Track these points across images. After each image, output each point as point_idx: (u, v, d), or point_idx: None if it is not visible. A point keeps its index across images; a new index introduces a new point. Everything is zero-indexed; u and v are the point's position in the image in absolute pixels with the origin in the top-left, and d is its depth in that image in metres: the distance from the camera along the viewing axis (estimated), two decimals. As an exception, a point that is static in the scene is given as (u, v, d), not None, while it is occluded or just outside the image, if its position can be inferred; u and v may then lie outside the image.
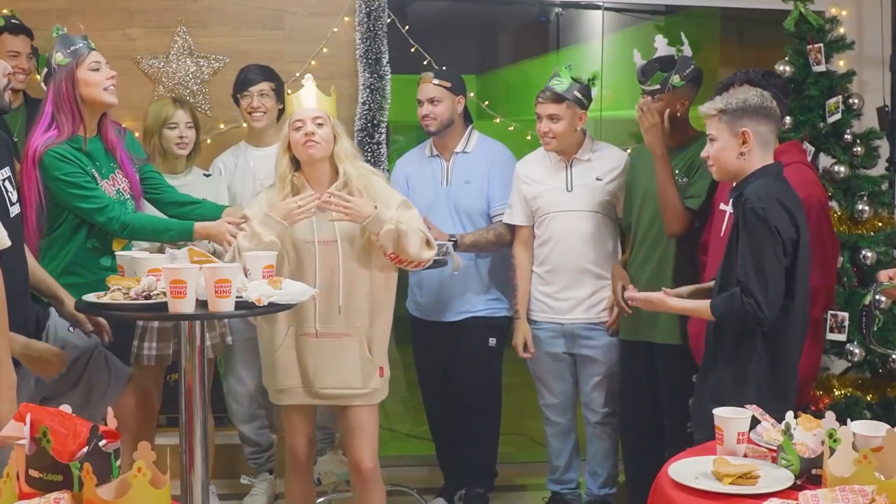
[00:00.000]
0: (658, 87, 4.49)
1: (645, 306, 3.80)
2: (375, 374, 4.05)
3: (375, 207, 3.86)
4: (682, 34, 4.62)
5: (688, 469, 2.88)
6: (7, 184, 3.54)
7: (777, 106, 3.65)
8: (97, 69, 4.11)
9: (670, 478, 2.85)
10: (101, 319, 3.88)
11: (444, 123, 4.90)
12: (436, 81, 4.89)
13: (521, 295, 4.89)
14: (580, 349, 4.84)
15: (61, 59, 4.08)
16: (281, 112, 4.92)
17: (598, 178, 4.75)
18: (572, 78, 4.65)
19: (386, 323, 4.10)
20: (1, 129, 3.71)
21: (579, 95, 4.65)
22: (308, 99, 3.94)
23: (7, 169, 3.57)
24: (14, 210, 3.55)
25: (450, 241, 4.68)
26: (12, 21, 4.84)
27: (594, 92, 4.76)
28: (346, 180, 3.93)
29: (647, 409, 4.67)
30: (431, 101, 4.88)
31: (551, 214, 4.79)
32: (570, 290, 4.79)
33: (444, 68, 5.12)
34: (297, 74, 5.25)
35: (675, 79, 4.47)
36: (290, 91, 4.06)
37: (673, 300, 3.70)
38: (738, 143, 3.52)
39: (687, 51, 4.57)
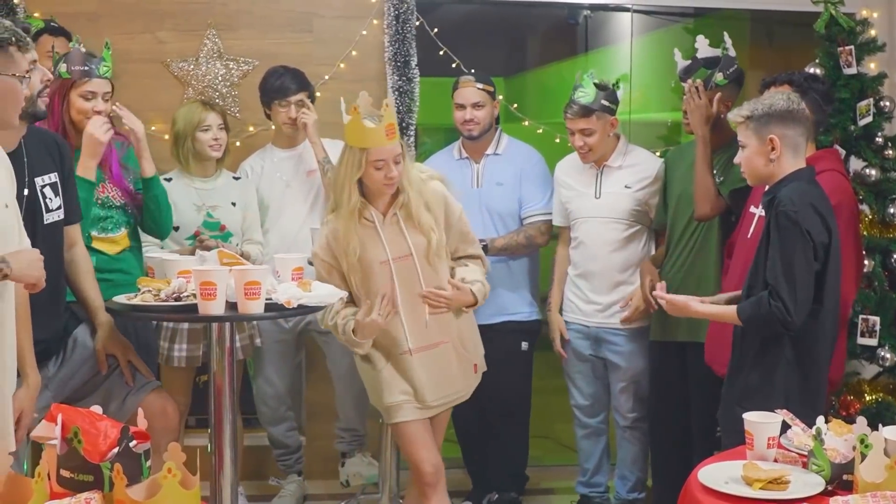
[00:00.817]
0: (701, 84, 4.47)
1: (670, 309, 3.78)
2: (471, 371, 4.12)
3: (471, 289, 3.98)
4: (726, 34, 4.58)
5: (717, 474, 2.87)
6: (48, 190, 3.57)
7: (808, 109, 3.62)
8: (89, 99, 4.14)
9: (700, 482, 2.84)
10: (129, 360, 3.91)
11: (486, 128, 4.91)
12: (479, 86, 4.89)
13: (555, 290, 4.97)
14: (606, 353, 4.85)
15: (63, 71, 4.12)
16: None
17: (626, 186, 4.74)
18: (595, 85, 4.62)
19: (470, 318, 4.14)
20: (46, 136, 3.73)
21: (606, 103, 4.64)
22: (389, 136, 3.80)
23: (52, 175, 3.60)
24: (51, 217, 3.56)
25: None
26: (52, 24, 4.87)
27: (620, 93, 4.73)
28: (407, 210, 3.91)
29: (677, 413, 4.66)
30: (475, 105, 4.87)
31: (581, 220, 4.81)
32: (596, 294, 4.81)
33: (472, 71, 5.12)
34: (326, 77, 5.27)
35: (719, 76, 4.46)
36: (344, 112, 3.94)
37: (698, 305, 3.67)
38: (766, 150, 3.50)
39: (731, 51, 4.55)
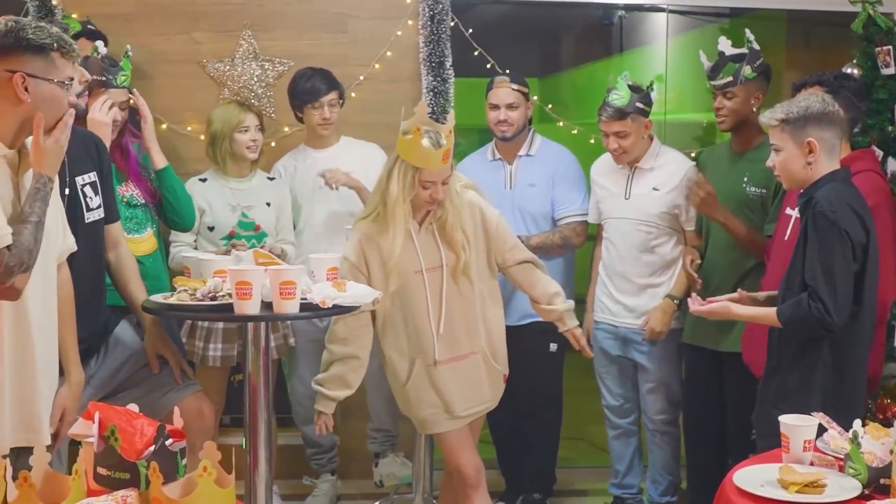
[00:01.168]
0: (730, 79, 4.46)
1: (710, 317, 3.76)
2: (500, 381, 4.14)
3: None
4: (748, 30, 4.57)
5: (753, 477, 2.86)
6: (88, 189, 3.61)
7: (843, 109, 3.60)
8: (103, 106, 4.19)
9: (735, 485, 2.83)
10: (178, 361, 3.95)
11: (519, 129, 4.91)
12: (514, 86, 4.88)
13: (591, 288, 4.96)
14: (633, 354, 4.84)
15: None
16: None
17: (655, 188, 4.71)
18: (629, 87, 4.60)
19: (502, 329, 4.16)
20: (84, 135, 3.76)
21: (641, 105, 4.61)
22: (444, 160, 3.84)
23: (92, 174, 3.64)
24: (92, 216, 3.60)
25: None
26: (89, 27, 4.91)
27: (654, 95, 4.72)
28: (442, 221, 3.94)
29: (711, 415, 4.64)
30: (509, 106, 4.87)
31: (611, 220, 4.82)
32: (623, 295, 4.80)
33: (507, 72, 5.11)
34: (361, 78, 5.28)
35: (747, 70, 4.44)
36: (404, 126, 3.89)
37: (737, 308, 3.65)
38: (804, 153, 3.47)
39: (755, 45, 4.52)
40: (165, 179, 4.44)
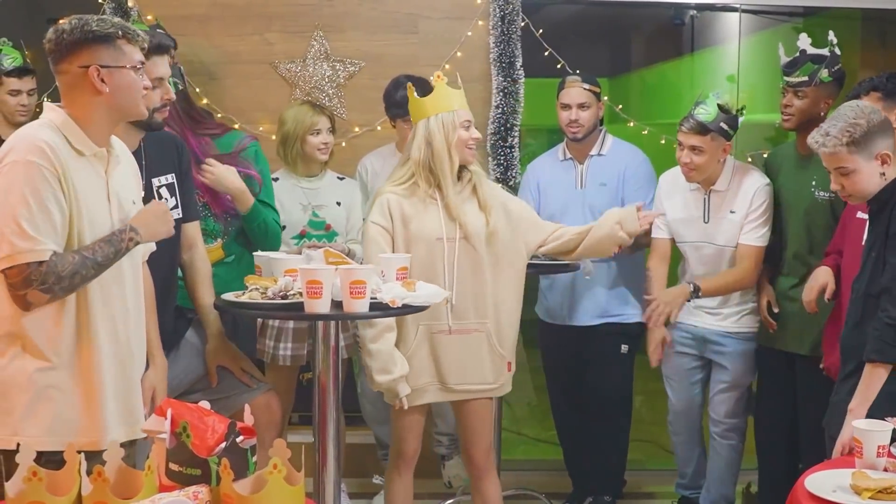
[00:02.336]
0: (805, 78, 4.40)
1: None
2: (504, 368, 4.07)
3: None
4: (832, 32, 4.50)
5: (825, 482, 2.83)
6: (164, 190, 3.67)
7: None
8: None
9: (807, 490, 2.80)
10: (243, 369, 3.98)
11: (590, 129, 4.87)
12: (586, 86, 4.84)
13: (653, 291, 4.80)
14: (711, 355, 4.78)
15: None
16: None
17: (732, 212, 4.61)
18: (719, 106, 4.48)
19: (514, 318, 4.11)
20: (165, 137, 3.81)
21: (725, 126, 4.47)
22: (463, 98, 4.00)
23: (170, 176, 3.70)
24: None
25: None
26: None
27: (740, 120, 4.56)
28: (473, 183, 4.00)
29: (784, 418, 4.58)
30: (581, 106, 4.83)
31: (688, 244, 4.72)
32: (704, 302, 4.71)
33: (577, 72, 5.09)
34: (431, 78, 5.28)
35: (824, 73, 4.38)
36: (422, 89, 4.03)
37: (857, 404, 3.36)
38: (877, 166, 3.40)
39: (837, 49, 4.46)
40: (254, 220, 4.32)
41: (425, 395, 4.04)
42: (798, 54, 4.47)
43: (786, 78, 4.48)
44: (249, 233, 4.32)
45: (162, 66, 3.58)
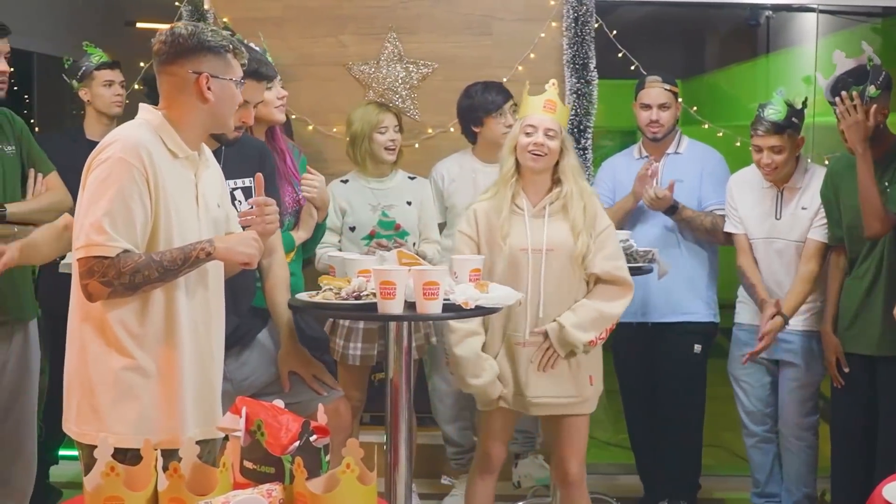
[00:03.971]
0: (858, 98, 4.33)
1: None
2: (585, 382, 4.03)
3: None
4: (864, 42, 4.42)
5: (905, 490, 2.78)
6: (240, 193, 3.74)
7: None
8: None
9: (885, 499, 2.75)
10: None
11: (669, 129, 4.89)
12: (666, 87, 4.86)
13: (760, 290, 4.71)
14: (779, 353, 4.75)
15: None
16: None
17: (803, 208, 4.64)
18: (786, 103, 4.53)
19: None
20: (249, 143, 3.87)
21: (796, 121, 4.55)
22: (546, 108, 3.94)
23: (247, 180, 3.76)
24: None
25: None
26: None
27: (805, 112, 4.62)
28: (564, 202, 3.95)
29: (861, 422, 4.51)
30: (661, 106, 4.85)
31: (759, 240, 4.74)
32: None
33: (654, 73, 5.06)
34: (505, 80, 5.27)
35: (871, 89, 4.31)
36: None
37: None
38: None
39: (876, 59, 4.38)
40: (319, 230, 4.45)
41: (502, 402, 4.03)
42: (835, 79, 4.38)
43: (830, 103, 4.40)
44: (311, 239, 4.42)
45: (251, 91, 3.64)
